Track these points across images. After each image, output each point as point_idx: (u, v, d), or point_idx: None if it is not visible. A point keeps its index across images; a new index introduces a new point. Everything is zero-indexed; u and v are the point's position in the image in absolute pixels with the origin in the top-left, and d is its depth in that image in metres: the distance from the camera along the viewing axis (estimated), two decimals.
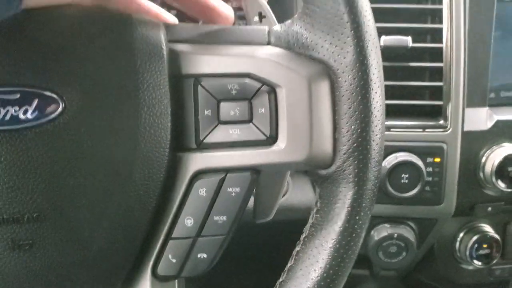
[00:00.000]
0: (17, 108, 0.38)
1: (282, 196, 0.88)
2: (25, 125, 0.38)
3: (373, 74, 0.43)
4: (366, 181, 0.44)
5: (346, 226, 0.44)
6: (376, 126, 0.43)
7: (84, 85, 0.39)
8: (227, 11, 0.52)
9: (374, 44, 0.43)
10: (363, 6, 0.42)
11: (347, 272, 0.45)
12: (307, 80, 0.43)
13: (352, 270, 0.46)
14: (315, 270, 0.45)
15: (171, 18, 0.55)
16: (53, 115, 0.39)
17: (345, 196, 0.44)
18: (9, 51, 0.38)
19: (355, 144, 0.43)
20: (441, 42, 0.88)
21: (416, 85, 0.90)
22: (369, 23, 0.43)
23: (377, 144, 0.44)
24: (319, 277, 0.44)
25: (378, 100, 0.43)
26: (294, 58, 0.44)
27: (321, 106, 0.43)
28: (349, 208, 0.44)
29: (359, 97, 0.42)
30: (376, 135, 0.44)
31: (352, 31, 0.42)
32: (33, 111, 0.38)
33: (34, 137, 0.38)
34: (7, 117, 0.38)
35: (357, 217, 0.44)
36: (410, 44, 0.86)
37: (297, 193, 0.90)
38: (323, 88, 0.43)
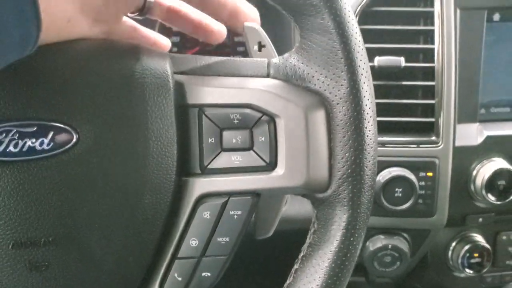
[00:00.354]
0: (34, 140, 0.41)
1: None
2: (41, 155, 0.41)
3: (366, 105, 0.46)
4: (360, 205, 0.47)
5: (341, 247, 0.47)
6: (369, 153, 0.46)
7: (96, 117, 0.42)
8: (219, 28, 0.55)
9: (367, 77, 0.46)
10: (356, 43, 0.45)
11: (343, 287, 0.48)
12: (304, 110, 0.46)
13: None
14: (312, 287, 0.47)
15: (166, 43, 0.58)
16: (67, 146, 0.41)
17: (340, 219, 0.47)
18: (24, 86, 0.41)
19: (349, 170, 0.46)
20: (433, 61, 0.91)
21: (409, 102, 0.92)
22: (362, 58, 0.46)
23: (370, 170, 0.47)
24: None
25: (370, 129, 0.46)
26: (292, 89, 0.46)
27: (317, 134, 0.46)
28: (344, 230, 0.47)
29: (353, 127, 0.45)
30: (369, 161, 0.46)
31: (346, 66, 0.45)
32: (49, 143, 0.41)
33: (50, 166, 0.41)
34: (25, 149, 0.41)
35: (352, 239, 0.47)
36: (403, 64, 0.88)
37: (295, 205, 0.93)
38: (319, 118, 0.46)
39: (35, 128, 0.41)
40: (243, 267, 1.01)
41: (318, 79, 0.46)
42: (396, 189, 0.88)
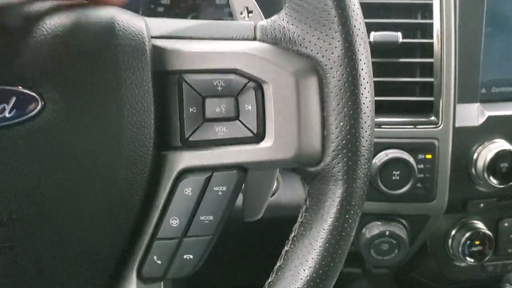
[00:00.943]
0: None
1: (272, 195, 0.88)
2: (3, 123, 0.37)
3: (362, 69, 0.42)
4: (355, 179, 0.43)
5: (336, 225, 0.43)
6: (365, 122, 0.43)
7: (64, 81, 0.38)
8: None
9: (363, 39, 0.42)
10: (351, 0, 0.41)
11: (337, 271, 0.45)
12: (295, 76, 0.42)
13: (344, 268, 0.45)
14: (304, 270, 0.44)
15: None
16: (32, 114, 0.38)
17: (334, 194, 0.43)
18: None
19: (344, 141, 0.42)
20: (431, 37, 0.88)
21: (406, 81, 0.89)
22: (357, 18, 0.42)
23: (366, 141, 0.43)
24: (308, 277, 0.44)
25: (367, 96, 0.42)
26: (281, 53, 0.43)
27: (309, 102, 0.42)
28: (339, 207, 0.43)
29: (348, 93, 0.42)
30: (366, 131, 0.43)
31: (340, 26, 0.41)
32: (11, 110, 0.37)
33: (12, 136, 0.37)
34: None
35: (347, 216, 0.43)
36: (400, 39, 0.85)
37: (286, 191, 0.90)
38: (311, 84, 0.42)
39: None
40: (231, 254, 0.98)
41: (309, 42, 0.42)
42: (394, 172, 0.85)
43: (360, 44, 0.42)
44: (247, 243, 1.00)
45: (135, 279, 0.45)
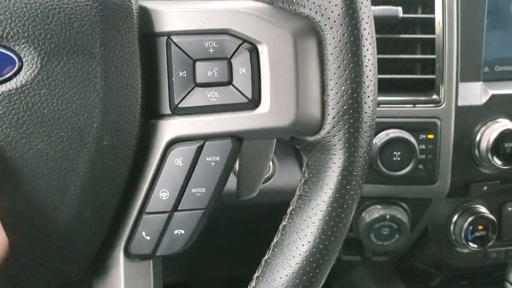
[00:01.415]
0: None
1: (268, 179, 0.85)
2: None
3: (364, 29, 0.40)
4: (357, 147, 0.40)
5: (337, 196, 0.41)
6: (368, 87, 0.40)
7: (43, 41, 0.35)
8: None
9: None
10: None
11: (338, 246, 0.42)
12: (292, 36, 0.39)
13: (343, 256, 0.43)
14: (303, 244, 0.41)
15: None
16: (8, 75, 0.35)
17: (335, 164, 0.41)
18: None
19: (345, 107, 0.40)
20: (432, 12, 0.85)
21: (407, 58, 0.87)
22: None
23: (369, 106, 0.41)
24: (307, 252, 0.41)
25: (370, 58, 0.40)
26: (278, 12, 0.40)
27: (307, 65, 0.40)
28: (340, 177, 0.41)
29: (349, 55, 0.39)
30: (368, 96, 0.40)
31: None
32: None
33: None
34: None
35: (348, 187, 0.41)
36: (401, 14, 0.82)
37: (283, 175, 0.87)
38: (310, 45, 0.40)
39: None
40: (227, 239, 0.96)
41: (307, 0, 0.39)
42: (395, 153, 0.83)
43: (362, 2, 0.39)
44: (242, 231, 0.98)
45: (122, 256, 0.42)
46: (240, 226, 0.95)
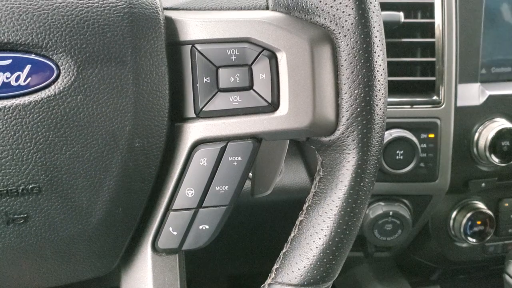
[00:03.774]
0: (8, 74, 0.37)
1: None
2: (17, 92, 0.37)
3: (375, 37, 0.42)
4: (370, 147, 0.43)
5: (351, 193, 0.43)
6: (379, 90, 0.42)
7: (79, 50, 0.37)
8: None
9: (376, 6, 0.42)
10: None
11: (352, 239, 0.45)
12: (309, 43, 0.42)
13: None
14: (320, 238, 0.44)
15: None
16: (47, 82, 0.37)
17: (349, 163, 0.43)
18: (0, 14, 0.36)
19: (358, 109, 0.42)
20: (432, 17, 0.88)
21: (408, 61, 0.89)
22: None
23: (380, 109, 0.43)
24: (324, 245, 0.44)
25: (380, 64, 0.42)
26: (294, 22, 0.43)
27: (323, 71, 0.42)
28: (353, 175, 0.43)
29: (362, 61, 0.42)
30: (380, 99, 0.43)
31: None
32: (26, 78, 0.37)
33: (28, 104, 0.37)
34: None
35: (362, 184, 0.43)
36: (402, 19, 0.85)
37: (290, 174, 0.89)
38: (325, 52, 0.42)
39: (9, 61, 0.37)
40: (236, 237, 0.97)
41: (322, 10, 0.42)
42: (397, 152, 0.85)
43: (373, 12, 0.42)
44: (245, 228, 0.99)
45: (150, 251, 0.45)
46: (243, 224, 0.96)
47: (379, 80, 0.42)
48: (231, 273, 1.33)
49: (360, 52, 0.41)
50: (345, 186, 0.43)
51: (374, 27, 0.42)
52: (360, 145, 0.43)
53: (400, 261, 1.17)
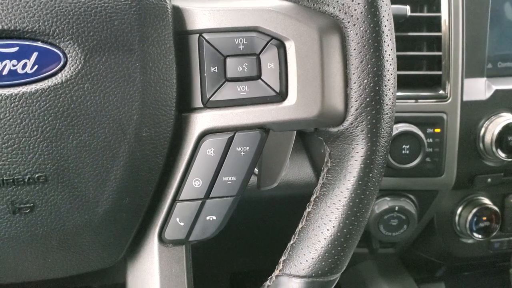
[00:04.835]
0: (15, 62, 0.36)
1: None
2: (24, 79, 0.36)
3: (385, 26, 0.42)
4: (379, 137, 0.43)
5: (360, 184, 0.43)
6: (388, 80, 0.42)
7: (86, 38, 0.37)
8: None
9: None
10: None
11: (361, 230, 0.44)
12: (318, 32, 0.41)
13: None
14: (328, 229, 0.43)
15: None
16: (54, 70, 0.37)
17: (358, 153, 0.43)
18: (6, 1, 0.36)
19: (367, 99, 0.42)
20: (438, 11, 0.87)
21: (415, 55, 0.89)
22: None
23: (389, 98, 0.43)
24: (332, 236, 0.43)
25: (390, 53, 0.42)
26: (303, 10, 0.42)
27: (332, 60, 0.42)
28: (362, 165, 0.43)
29: (371, 50, 0.41)
30: (389, 89, 0.42)
31: None
32: (33, 66, 0.37)
33: (34, 92, 0.36)
34: (5, 72, 0.36)
35: (371, 174, 0.43)
36: (409, 13, 0.84)
37: (295, 170, 0.89)
38: (334, 41, 0.42)
39: (16, 49, 0.36)
40: (240, 231, 0.97)
41: None
42: (403, 146, 0.85)
43: (382, 1, 0.41)
44: (248, 224, 0.99)
45: (157, 242, 0.44)
46: (247, 220, 0.96)
47: (388, 70, 0.42)
48: (234, 270, 1.33)
49: (370, 41, 0.41)
50: (354, 177, 0.43)
51: (383, 16, 0.41)
52: (369, 135, 0.42)
53: (405, 258, 1.17)
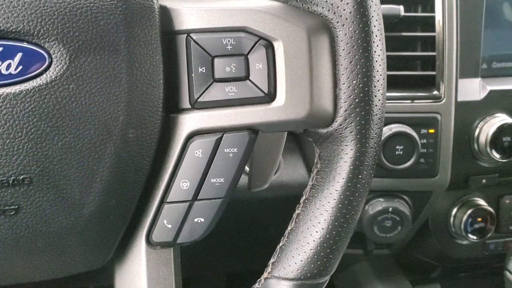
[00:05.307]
0: None
1: (274, 174, 0.87)
2: (9, 80, 0.36)
3: (374, 26, 0.41)
4: (368, 138, 0.42)
5: (349, 185, 0.43)
6: (378, 81, 0.42)
7: (71, 38, 0.37)
8: None
9: None
10: None
11: (350, 233, 0.44)
12: (306, 33, 0.41)
13: (345, 250, 0.45)
14: (317, 231, 0.43)
15: None
16: (38, 71, 0.37)
17: (347, 155, 0.42)
18: None
19: (356, 100, 0.41)
20: (432, 11, 0.87)
21: (408, 55, 0.88)
22: None
23: (379, 99, 0.42)
24: (321, 238, 0.43)
25: (379, 54, 0.42)
26: (292, 10, 0.42)
27: (320, 60, 0.41)
28: (352, 167, 0.42)
29: (360, 51, 0.41)
30: (378, 90, 0.42)
31: None
32: (17, 66, 0.36)
33: (19, 93, 0.36)
34: None
35: (360, 176, 0.43)
36: (402, 13, 0.84)
37: (288, 170, 0.89)
38: (323, 41, 0.41)
39: (0, 49, 0.36)
40: (234, 233, 0.97)
41: None
42: (397, 147, 0.85)
43: (372, 1, 0.41)
44: (243, 226, 0.99)
45: (144, 244, 0.44)
46: (241, 221, 0.96)
47: (377, 71, 0.42)
48: (229, 271, 1.33)
49: (359, 41, 0.41)
50: (343, 178, 0.43)
51: (372, 16, 0.41)
52: (358, 136, 0.42)
53: (400, 259, 1.17)
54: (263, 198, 0.88)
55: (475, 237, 0.99)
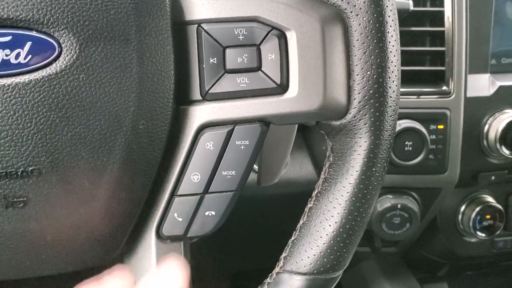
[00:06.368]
0: (8, 51, 0.35)
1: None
2: (18, 70, 0.35)
3: (388, 16, 0.41)
4: (382, 130, 0.42)
5: (362, 178, 0.42)
6: (392, 72, 0.41)
7: (81, 27, 0.36)
8: None
9: None
10: None
11: (363, 226, 0.43)
12: (320, 23, 0.40)
13: None
14: (330, 225, 0.42)
15: None
16: (48, 60, 0.36)
17: (361, 147, 0.42)
18: None
19: (371, 91, 0.41)
20: (441, 6, 0.87)
21: (417, 50, 0.88)
22: None
23: (393, 91, 0.42)
24: (334, 233, 0.42)
25: (394, 44, 0.41)
26: (305, 0, 0.41)
27: (334, 51, 0.41)
28: (365, 159, 0.42)
29: (375, 41, 0.40)
30: (393, 81, 0.41)
31: None
32: (26, 55, 0.36)
33: (28, 83, 0.35)
34: None
35: (374, 169, 0.42)
36: (412, 7, 0.83)
37: (295, 167, 0.88)
38: (336, 32, 0.41)
39: (9, 38, 0.35)
40: (241, 230, 0.97)
41: None
42: (406, 143, 0.84)
43: None
44: (250, 223, 0.98)
45: (154, 238, 0.43)
46: (248, 219, 0.95)
47: (392, 61, 0.41)
48: (235, 269, 1.32)
49: (373, 32, 0.40)
50: (357, 171, 0.42)
51: (387, 6, 0.41)
52: (372, 128, 0.41)
53: (408, 257, 1.16)
54: (270, 195, 0.87)
55: (483, 235, 0.98)
